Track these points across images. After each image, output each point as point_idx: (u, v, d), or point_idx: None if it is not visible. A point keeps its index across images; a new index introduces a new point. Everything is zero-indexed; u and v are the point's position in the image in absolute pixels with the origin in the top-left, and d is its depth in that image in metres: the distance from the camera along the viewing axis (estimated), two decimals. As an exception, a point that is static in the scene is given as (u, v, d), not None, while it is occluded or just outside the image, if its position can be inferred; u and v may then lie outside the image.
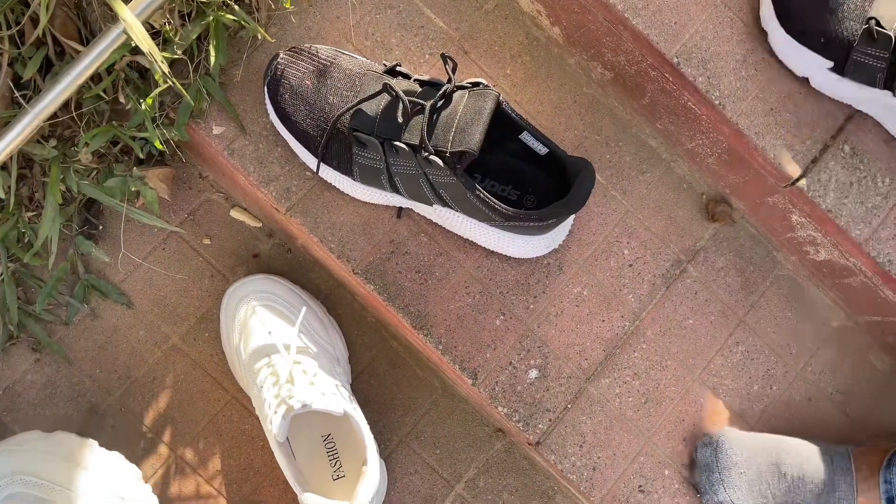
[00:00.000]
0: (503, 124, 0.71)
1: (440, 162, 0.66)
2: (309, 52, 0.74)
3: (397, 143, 0.67)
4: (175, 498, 0.81)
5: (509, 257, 0.79)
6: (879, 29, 0.65)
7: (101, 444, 0.75)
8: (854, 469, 0.75)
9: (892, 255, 0.77)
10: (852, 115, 0.77)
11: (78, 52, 0.68)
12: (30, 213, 0.75)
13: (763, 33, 0.77)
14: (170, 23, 0.69)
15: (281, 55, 0.74)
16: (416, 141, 0.67)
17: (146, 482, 0.80)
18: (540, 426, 0.78)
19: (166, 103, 0.74)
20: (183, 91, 0.66)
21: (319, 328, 0.81)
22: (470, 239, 0.77)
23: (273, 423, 0.69)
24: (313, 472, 0.76)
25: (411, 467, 0.85)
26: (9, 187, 0.70)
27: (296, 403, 0.68)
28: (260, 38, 0.76)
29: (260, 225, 0.86)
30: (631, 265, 0.82)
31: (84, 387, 0.82)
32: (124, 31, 0.62)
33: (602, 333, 0.81)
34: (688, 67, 0.75)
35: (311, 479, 0.75)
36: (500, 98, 0.68)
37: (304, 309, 0.75)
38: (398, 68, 0.72)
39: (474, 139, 0.65)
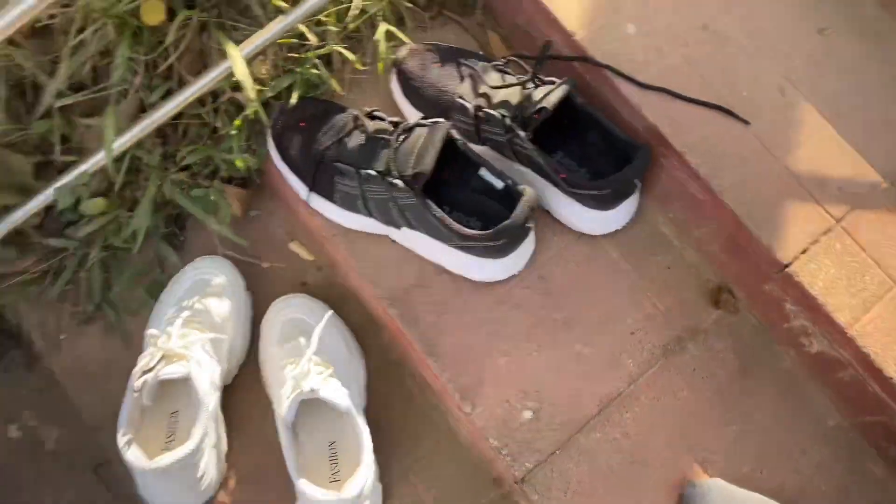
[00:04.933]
0: (464, 163, 0.85)
1: (401, 183, 0.80)
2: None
3: (368, 170, 0.82)
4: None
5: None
6: None
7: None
8: None
9: (876, 348, 0.81)
10: (843, 216, 0.85)
11: (194, 85, 0.86)
12: (129, 214, 0.92)
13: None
14: (270, 72, 0.87)
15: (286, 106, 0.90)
16: (383, 168, 0.81)
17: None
18: (527, 464, 0.83)
19: (252, 138, 0.91)
20: (268, 121, 0.82)
21: (345, 352, 0.91)
22: (436, 262, 0.88)
23: (283, 406, 0.78)
24: (313, 470, 0.83)
25: (408, 498, 0.90)
26: (116, 178, 0.86)
27: (305, 386, 0.77)
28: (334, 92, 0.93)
29: (313, 258, 0.99)
30: (633, 333, 0.89)
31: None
32: (228, 67, 0.80)
33: (598, 389, 0.86)
34: (693, 157, 0.86)
35: (309, 474, 0.82)
36: (451, 130, 0.82)
37: (327, 314, 0.86)
38: (375, 113, 0.88)
39: (427, 162, 0.79)
